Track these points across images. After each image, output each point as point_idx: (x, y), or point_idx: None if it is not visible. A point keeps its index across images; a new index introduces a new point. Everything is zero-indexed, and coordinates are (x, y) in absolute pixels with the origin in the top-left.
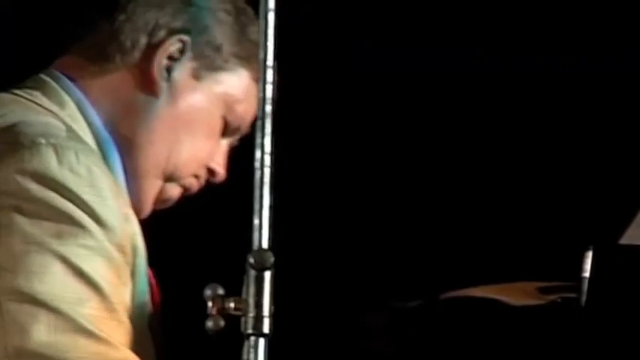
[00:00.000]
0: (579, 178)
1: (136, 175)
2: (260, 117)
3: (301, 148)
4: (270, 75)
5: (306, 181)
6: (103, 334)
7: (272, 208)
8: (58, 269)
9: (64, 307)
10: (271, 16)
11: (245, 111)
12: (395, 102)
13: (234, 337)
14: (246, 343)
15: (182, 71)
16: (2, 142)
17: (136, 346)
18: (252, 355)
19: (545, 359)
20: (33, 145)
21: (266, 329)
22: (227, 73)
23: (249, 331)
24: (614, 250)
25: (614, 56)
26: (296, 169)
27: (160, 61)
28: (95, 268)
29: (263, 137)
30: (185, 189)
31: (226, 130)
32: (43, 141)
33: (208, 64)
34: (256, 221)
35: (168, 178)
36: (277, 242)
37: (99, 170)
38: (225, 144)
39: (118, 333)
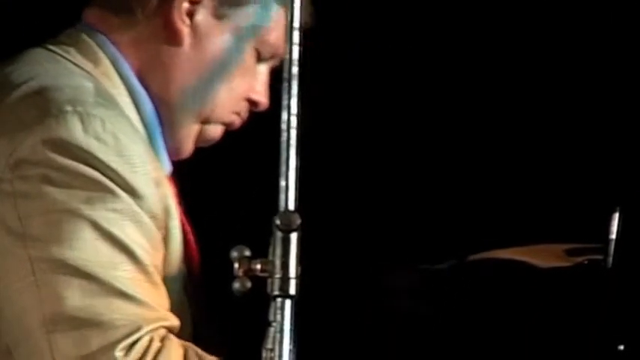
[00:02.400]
0: (606, 138)
1: (171, 123)
2: (286, 79)
3: (327, 108)
4: (296, 37)
5: (333, 141)
6: (138, 296)
7: (298, 169)
8: (89, 235)
9: (97, 271)
10: None
11: (277, 38)
12: (423, 63)
13: (260, 298)
14: (272, 304)
15: (204, 14)
16: (32, 107)
17: (172, 308)
18: (278, 317)
19: (571, 320)
20: (59, 114)
21: (292, 291)
22: (250, 5)
23: (276, 292)
24: None
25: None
26: (322, 130)
27: (180, 6)
28: (126, 231)
29: (289, 99)
30: (227, 126)
31: (261, 59)
32: (69, 109)
33: (230, 1)
34: (283, 183)
35: (206, 121)
36: (304, 204)
37: (126, 138)
38: (264, 71)
39: (154, 295)
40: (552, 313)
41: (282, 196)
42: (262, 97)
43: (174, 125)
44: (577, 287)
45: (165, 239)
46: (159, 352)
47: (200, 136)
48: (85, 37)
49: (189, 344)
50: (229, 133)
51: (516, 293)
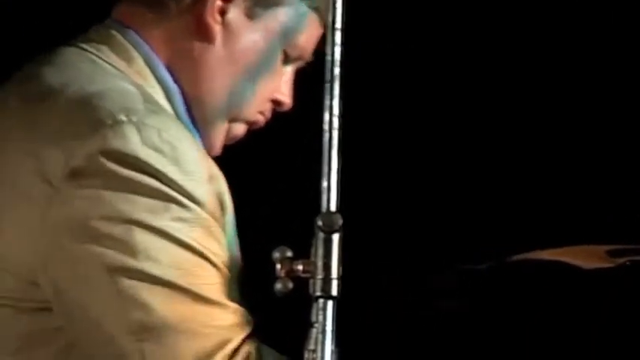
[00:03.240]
0: None
1: (203, 122)
2: (328, 80)
3: (369, 110)
4: (338, 37)
5: (376, 142)
6: (221, 301)
7: (340, 170)
8: (159, 244)
9: (175, 279)
10: None
11: (306, 41)
12: (463, 62)
13: (302, 299)
14: (314, 305)
15: (236, 12)
16: (83, 116)
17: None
18: (320, 318)
19: (616, 322)
20: (115, 124)
21: (334, 292)
22: (283, 7)
23: (318, 293)
24: None
25: None
26: (365, 130)
27: (213, 3)
28: (195, 237)
29: (332, 100)
30: (251, 124)
31: (288, 60)
32: (124, 118)
33: (263, 1)
34: (325, 184)
35: (233, 119)
36: (346, 204)
37: (181, 144)
38: (289, 71)
39: (229, 294)
40: (595, 314)
41: (324, 197)
42: (286, 98)
43: (205, 123)
44: (620, 288)
45: (223, 231)
46: None
47: (229, 133)
48: (116, 34)
49: (280, 355)
50: (273, 134)
51: (557, 294)
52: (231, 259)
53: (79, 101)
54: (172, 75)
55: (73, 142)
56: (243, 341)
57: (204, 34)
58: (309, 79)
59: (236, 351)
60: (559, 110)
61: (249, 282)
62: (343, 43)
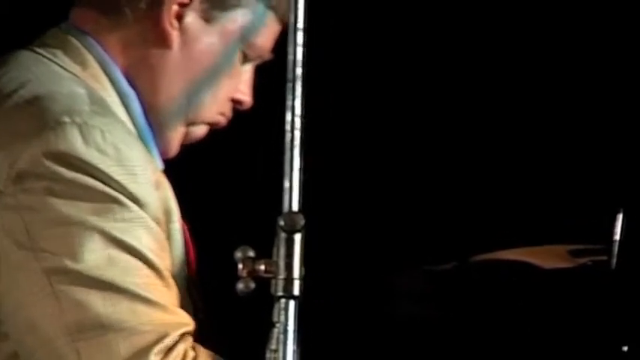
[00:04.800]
0: (610, 140)
1: (159, 126)
2: (290, 80)
3: (331, 110)
4: (300, 37)
5: (337, 142)
6: (158, 300)
7: (302, 170)
8: (100, 245)
9: (114, 279)
10: None
11: (265, 40)
12: (425, 62)
13: (264, 299)
14: (276, 305)
15: (193, 16)
16: (28, 118)
17: (182, 308)
18: (282, 318)
19: (575, 321)
20: (57, 126)
21: (296, 291)
22: (240, 8)
23: (280, 293)
24: None
25: None
26: (326, 131)
27: (170, 9)
28: (137, 238)
29: (293, 100)
30: (212, 125)
31: (247, 60)
32: (67, 120)
33: (220, 5)
34: (286, 184)
35: (193, 123)
36: (308, 205)
37: (125, 146)
38: (249, 70)
39: (171, 298)
40: (556, 314)
41: (286, 197)
42: (247, 97)
43: (162, 127)
44: (581, 288)
45: (168, 238)
46: None
47: (186, 136)
48: (71, 38)
49: (215, 355)
50: (234, 134)
51: (520, 294)
52: (175, 263)
53: (25, 104)
54: (130, 80)
55: (17, 145)
56: (180, 338)
57: (161, 41)
58: (272, 80)
59: (172, 347)
60: (520, 112)
61: (210, 282)
62: (305, 44)
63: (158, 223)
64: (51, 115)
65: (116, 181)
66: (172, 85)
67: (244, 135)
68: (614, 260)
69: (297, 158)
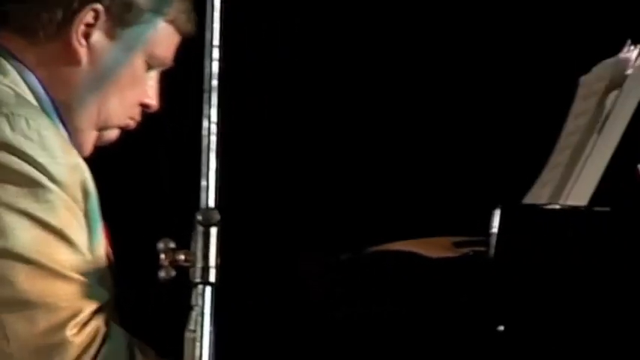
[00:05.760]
0: (490, 148)
1: (73, 130)
2: (207, 90)
3: (244, 118)
4: (215, 53)
5: (248, 148)
6: (78, 277)
7: (218, 171)
8: (25, 224)
9: (37, 256)
10: (217, 3)
11: (165, 50)
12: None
13: (183, 285)
14: (194, 291)
15: (99, 34)
16: None
17: (102, 282)
18: (200, 302)
19: (459, 304)
20: None
21: (212, 278)
22: (140, 24)
23: (197, 280)
24: (518, 208)
25: None
26: (240, 136)
27: (78, 29)
28: (58, 218)
29: (210, 108)
30: (123, 128)
31: (151, 68)
32: None
33: (122, 23)
34: (204, 183)
35: (104, 128)
36: (223, 201)
37: (48, 132)
38: (153, 76)
39: (90, 273)
40: (441, 297)
41: (203, 195)
42: (153, 101)
43: (76, 131)
44: (463, 275)
45: (86, 217)
46: (107, 336)
47: (99, 138)
48: None
49: (126, 333)
50: (157, 141)
51: (409, 281)
52: (95, 241)
53: None
54: (47, 90)
55: None
56: (94, 314)
57: (71, 57)
58: (190, 91)
59: (87, 323)
60: (408, 111)
61: (135, 270)
62: (220, 59)
63: (76, 202)
64: None
65: (39, 163)
66: (83, 96)
67: (165, 141)
68: (492, 250)
69: (213, 160)
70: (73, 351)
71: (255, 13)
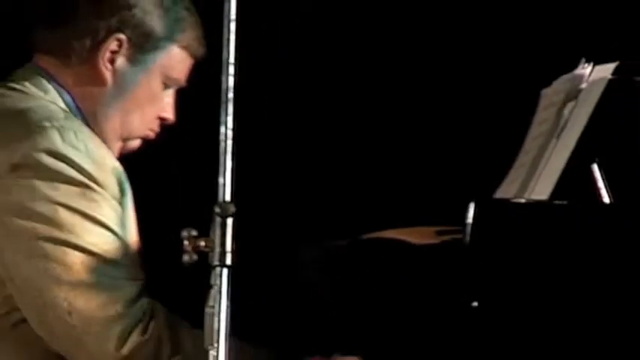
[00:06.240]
0: (467, 145)
1: (101, 140)
2: (224, 101)
3: (255, 126)
4: (231, 69)
5: (260, 150)
6: (121, 260)
7: (233, 170)
8: (78, 220)
9: (90, 246)
10: (232, 25)
11: (179, 72)
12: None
13: (204, 267)
14: (213, 272)
15: (122, 60)
16: (17, 125)
17: (139, 265)
18: (218, 282)
19: (439, 284)
20: (42, 129)
21: (228, 262)
22: (157, 51)
23: (216, 263)
24: (490, 202)
25: None
26: (252, 141)
27: (104, 55)
28: (104, 214)
29: (226, 116)
30: (144, 138)
31: (167, 87)
32: (48, 124)
33: (142, 50)
34: (221, 180)
35: (127, 139)
36: (238, 196)
37: (92, 143)
38: (170, 93)
39: (130, 257)
40: (424, 278)
41: (220, 190)
42: (170, 115)
43: (102, 140)
44: (443, 259)
45: (123, 212)
46: (153, 310)
47: (123, 147)
48: (34, 74)
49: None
50: (185, 145)
51: (396, 265)
52: (129, 230)
53: (14, 115)
54: (80, 105)
55: (12, 145)
56: (140, 291)
57: (98, 79)
58: (210, 102)
59: (135, 298)
60: (389, 109)
61: (163, 254)
62: (236, 74)
63: (115, 199)
64: (36, 122)
65: (86, 171)
66: (109, 114)
67: (189, 145)
68: (467, 238)
69: (229, 161)
70: (126, 323)
71: (258, 20)
